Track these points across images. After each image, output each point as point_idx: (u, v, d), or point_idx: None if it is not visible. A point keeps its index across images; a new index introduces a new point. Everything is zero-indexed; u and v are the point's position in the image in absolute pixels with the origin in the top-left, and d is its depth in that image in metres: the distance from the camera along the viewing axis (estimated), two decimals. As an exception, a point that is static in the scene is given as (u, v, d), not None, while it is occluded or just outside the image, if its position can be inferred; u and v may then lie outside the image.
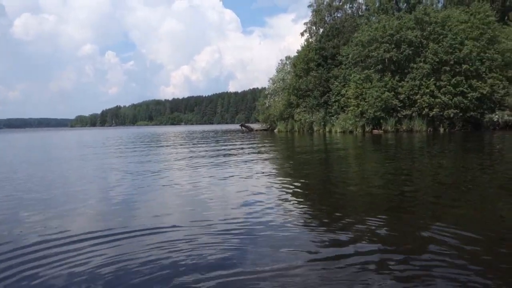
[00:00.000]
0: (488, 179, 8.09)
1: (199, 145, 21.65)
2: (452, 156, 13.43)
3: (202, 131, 55.18)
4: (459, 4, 39.08)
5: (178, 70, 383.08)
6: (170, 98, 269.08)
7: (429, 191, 6.90)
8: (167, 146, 23.12)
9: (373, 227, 4.51)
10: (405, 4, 38.00)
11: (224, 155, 14.87)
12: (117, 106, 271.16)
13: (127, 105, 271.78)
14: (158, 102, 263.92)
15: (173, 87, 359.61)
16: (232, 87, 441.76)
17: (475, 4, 35.53)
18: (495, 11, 37.11)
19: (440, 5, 43.39)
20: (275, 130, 43.36)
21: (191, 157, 14.60)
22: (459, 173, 9.06)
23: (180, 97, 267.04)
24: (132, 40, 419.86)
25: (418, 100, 30.47)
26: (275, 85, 47.91)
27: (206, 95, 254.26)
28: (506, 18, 38.51)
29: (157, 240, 4.20)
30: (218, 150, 17.89)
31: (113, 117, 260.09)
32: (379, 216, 4.97)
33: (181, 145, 23.61)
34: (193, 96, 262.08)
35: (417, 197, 6.35)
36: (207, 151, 17.34)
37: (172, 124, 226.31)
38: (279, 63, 49.21)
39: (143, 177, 9.32)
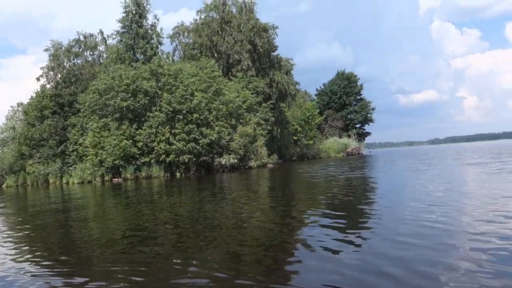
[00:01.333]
0: (217, 209, 9.77)
1: None
2: (188, 196, 14.62)
3: None
4: (191, 59, 43.07)
5: None
6: None
7: (168, 229, 7.63)
8: None
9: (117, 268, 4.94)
10: (142, 56, 39.39)
11: None
12: None
13: None
14: None
15: None
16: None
17: (203, 60, 39.74)
18: (221, 67, 42.35)
19: (176, 58, 46.97)
20: (3, 185, 37.75)
21: None
22: (194, 210, 10.21)
23: None
24: None
25: (156, 147, 31.41)
26: (4, 134, 42.20)
27: None
28: (230, 73, 44.31)
29: None
30: None
31: None
32: (121, 259, 5.43)
33: None
34: None
35: (159, 236, 6.93)
36: None
37: None
38: (9, 110, 44.02)
39: None
